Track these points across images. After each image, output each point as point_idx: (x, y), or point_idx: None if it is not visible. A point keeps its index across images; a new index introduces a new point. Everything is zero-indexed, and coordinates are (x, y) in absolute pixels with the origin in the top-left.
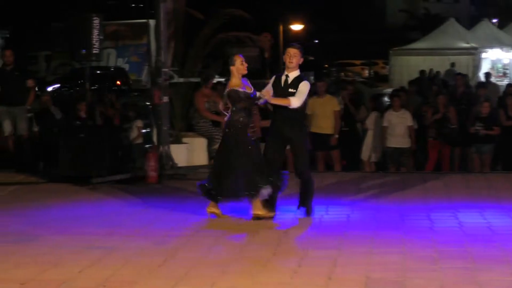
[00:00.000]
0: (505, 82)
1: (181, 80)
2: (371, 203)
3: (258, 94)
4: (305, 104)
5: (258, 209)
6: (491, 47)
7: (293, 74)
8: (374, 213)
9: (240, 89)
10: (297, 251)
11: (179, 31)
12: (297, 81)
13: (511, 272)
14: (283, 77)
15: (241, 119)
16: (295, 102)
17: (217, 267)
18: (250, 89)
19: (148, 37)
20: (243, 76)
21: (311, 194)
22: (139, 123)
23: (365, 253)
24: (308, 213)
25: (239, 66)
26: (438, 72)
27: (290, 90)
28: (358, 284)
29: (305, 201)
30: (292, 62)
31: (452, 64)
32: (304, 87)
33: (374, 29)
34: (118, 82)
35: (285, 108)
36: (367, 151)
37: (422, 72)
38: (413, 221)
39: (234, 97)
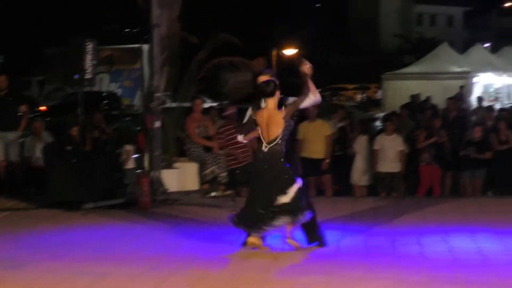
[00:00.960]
0: (497, 106)
1: (174, 105)
2: (362, 228)
3: None
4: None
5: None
6: (484, 71)
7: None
8: (365, 238)
9: None
10: (288, 278)
11: (173, 55)
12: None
13: None
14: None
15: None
16: None
17: None
18: None
19: (141, 62)
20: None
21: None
22: (127, 147)
23: (356, 279)
24: (322, 244)
25: None
26: (428, 97)
27: None
28: None
29: (314, 233)
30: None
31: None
32: (289, 109)
33: (368, 54)
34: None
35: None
36: (356, 175)
37: (413, 96)
38: (404, 247)
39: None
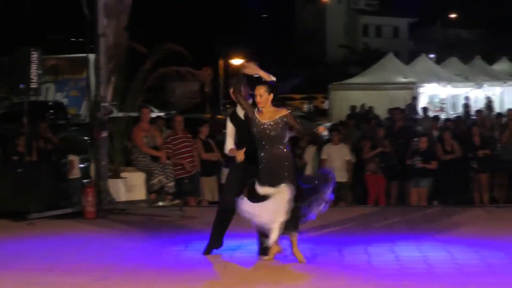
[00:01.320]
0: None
1: (121, 114)
2: (309, 237)
3: None
4: None
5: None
6: (429, 81)
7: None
8: (313, 247)
9: None
10: (234, 287)
11: (120, 65)
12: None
13: None
14: (240, 112)
15: None
16: None
17: None
18: None
19: (87, 71)
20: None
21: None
22: (71, 157)
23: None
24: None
25: None
26: (371, 107)
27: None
28: None
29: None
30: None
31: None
32: None
33: (314, 64)
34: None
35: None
36: None
37: (352, 107)
38: (352, 256)
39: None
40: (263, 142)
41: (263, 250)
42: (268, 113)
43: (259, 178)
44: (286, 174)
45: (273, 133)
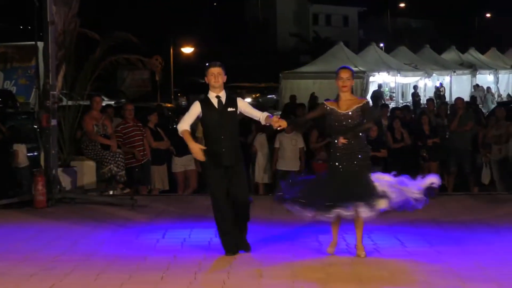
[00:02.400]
0: (391, 105)
1: (70, 103)
2: (260, 225)
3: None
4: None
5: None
6: (378, 70)
7: (223, 93)
8: (264, 235)
9: None
10: (186, 276)
11: (70, 53)
12: (231, 101)
13: None
14: (214, 99)
15: None
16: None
17: None
18: None
19: (36, 59)
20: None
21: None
22: (16, 146)
23: (254, 276)
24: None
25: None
26: (316, 96)
27: (229, 109)
28: None
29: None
30: (218, 82)
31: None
32: (246, 103)
33: (265, 53)
34: None
35: (232, 135)
36: (258, 173)
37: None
38: (303, 243)
39: None
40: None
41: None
42: (346, 101)
43: (335, 169)
44: (363, 163)
45: (354, 122)
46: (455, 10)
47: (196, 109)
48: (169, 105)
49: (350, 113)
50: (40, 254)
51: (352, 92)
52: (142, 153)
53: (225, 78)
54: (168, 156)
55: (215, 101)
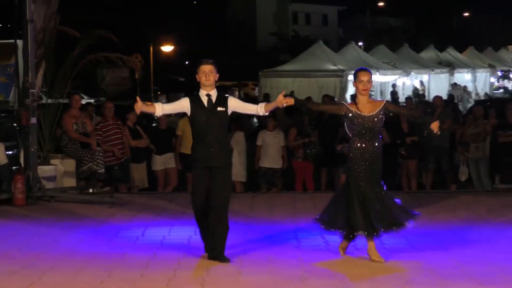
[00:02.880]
0: None
1: (50, 101)
2: (239, 224)
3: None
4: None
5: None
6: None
7: (214, 92)
8: (243, 233)
9: None
10: (166, 273)
11: (50, 51)
12: (222, 100)
13: (376, 285)
14: (204, 97)
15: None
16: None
17: None
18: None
19: (16, 57)
20: None
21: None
22: None
23: (233, 273)
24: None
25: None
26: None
27: (219, 109)
28: None
29: (222, 244)
30: (209, 80)
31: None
32: (238, 101)
33: (245, 51)
34: None
35: (221, 135)
36: (235, 171)
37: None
38: (281, 241)
39: None
40: (366, 136)
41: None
42: (367, 104)
43: (355, 171)
44: (380, 167)
45: (378, 125)
46: (433, 10)
47: (183, 104)
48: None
49: (373, 115)
50: (20, 252)
51: (327, 94)
52: (121, 151)
53: (217, 76)
54: (148, 154)
55: (205, 100)
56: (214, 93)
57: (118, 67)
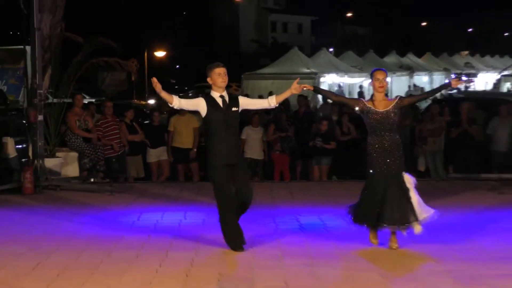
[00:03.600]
0: None
1: (55, 100)
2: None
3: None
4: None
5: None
6: (328, 72)
7: (225, 93)
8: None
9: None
10: (158, 253)
11: (55, 56)
12: (234, 100)
13: (345, 265)
14: (218, 99)
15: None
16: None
17: (87, 269)
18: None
19: (25, 61)
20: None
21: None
22: (5, 139)
23: (218, 253)
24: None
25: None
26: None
27: (233, 109)
28: (212, 280)
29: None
30: (225, 82)
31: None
32: (247, 99)
33: (229, 56)
34: None
35: (235, 134)
36: None
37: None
38: (261, 225)
39: None
40: (382, 131)
41: None
42: (382, 101)
43: (375, 166)
44: (400, 161)
45: (391, 121)
46: (395, 19)
47: (200, 103)
48: (143, 102)
49: (388, 111)
50: (27, 235)
51: (302, 95)
52: (119, 145)
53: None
54: (143, 148)
55: (219, 101)
56: (225, 94)
57: (117, 70)
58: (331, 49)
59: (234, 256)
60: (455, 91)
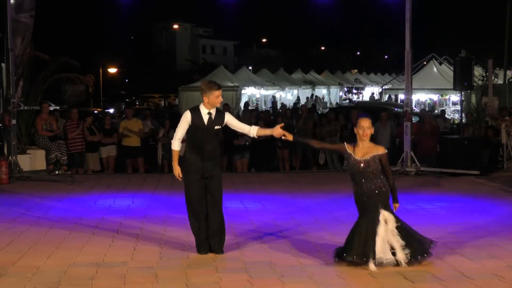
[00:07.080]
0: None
1: (26, 108)
2: (163, 195)
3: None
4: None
5: None
6: (248, 86)
7: (213, 110)
8: (167, 200)
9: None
10: (111, 231)
11: (26, 70)
12: (220, 117)
13: (260, 240)
14: (205, 115)
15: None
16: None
17: (52, 244)
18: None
19: (0, 76)
20: None
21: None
22: None
23: (160, 230)
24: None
25: None
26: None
27: (216, 127)
28: (155, 251)
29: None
30: (219, 103)
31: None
32: (234, 119)
33: (168, 73)
34: None
35: (215, 148)
36: (161, 158)
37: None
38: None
39: None
40: (362, 178)
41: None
42: (363, 148)
43: (364, 212)
44: (385, 203)
45: (369, 169)
46: (300, 44)
47: (187, 118)
48: (99, 109)
49: (365, 160)
50: (2, 217)
51: (227, 103)
52: (81, 144)
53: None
54: (98, 146)
55: (206, 118)
56: (213, 111)
57: (76, 83)
58: (250, 67)
59: (174, 232)
60: (347, 101)
